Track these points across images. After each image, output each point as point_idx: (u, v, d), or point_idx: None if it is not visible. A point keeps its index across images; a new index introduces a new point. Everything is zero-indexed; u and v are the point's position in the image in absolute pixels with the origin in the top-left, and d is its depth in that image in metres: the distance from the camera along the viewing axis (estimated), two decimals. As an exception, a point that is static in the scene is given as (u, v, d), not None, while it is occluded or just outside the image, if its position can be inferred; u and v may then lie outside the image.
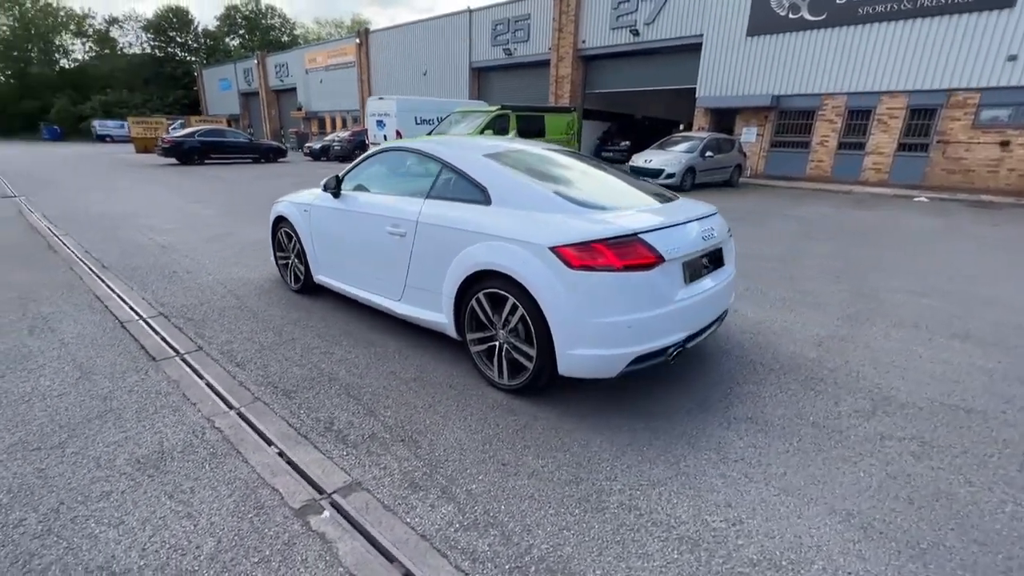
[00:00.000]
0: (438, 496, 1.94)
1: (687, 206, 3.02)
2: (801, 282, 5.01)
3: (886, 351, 3.39)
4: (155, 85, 49.82)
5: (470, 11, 24.48)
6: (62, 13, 49.65)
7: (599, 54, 20.66)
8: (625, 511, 1.88)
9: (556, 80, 21.53)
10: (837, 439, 2.37)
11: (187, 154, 19.16)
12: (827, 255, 6.21)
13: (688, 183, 13.04)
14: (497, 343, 2.70)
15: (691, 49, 17.98)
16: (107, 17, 53.94)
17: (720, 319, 2.97)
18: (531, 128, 13.60)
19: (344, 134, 22.89)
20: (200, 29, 56.60)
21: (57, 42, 50.05)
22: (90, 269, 5.00)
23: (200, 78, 48.55)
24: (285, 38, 58.80)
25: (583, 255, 2.31)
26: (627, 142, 22.16)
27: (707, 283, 2.71)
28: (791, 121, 16.46)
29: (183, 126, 25.96)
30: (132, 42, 54.25)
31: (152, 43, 54.11)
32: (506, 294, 2.55)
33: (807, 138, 16.19)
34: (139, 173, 15.30)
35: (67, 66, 49.94)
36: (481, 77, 25.52)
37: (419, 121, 16.36)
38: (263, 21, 59.58)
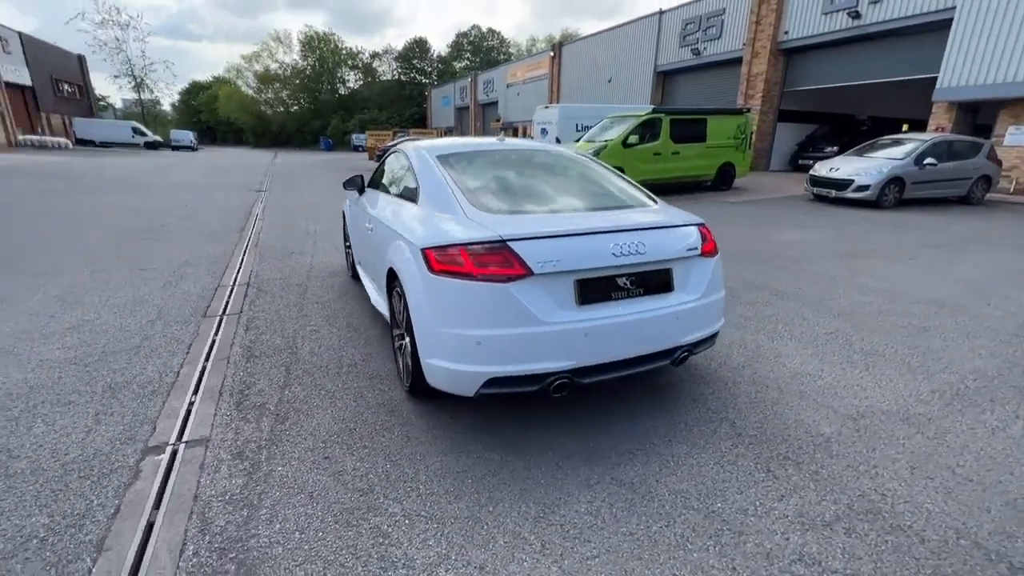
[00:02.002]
0: (244, 469, 2.08)
1: (642, 215, 2.54)
2: (933, 336, 3.61)
3: (964, 450, 2.26)
4: (397, 104, 60.85)
5: (661, 12, 23.51)
6: (344, 52, 64.55)
7: (805, 45, 17.67)
8: (371, 534, 1.74)
9: (747, 79, 19.17)
10: (722, 540, 1.73)
11: (394, 160, 22.95)
12: (1029, 305, 4.29)
13: (891, 198, 10.30)
14: (403, 342, 2.70)
15: (932, 29, 14.05)
16: (371, 52, 67.57)
17: (667, 358, 2.40)
18: (687, 133, 12.43)
19: (521, 142, 24.40)
20: (435, 55, 66.99)
21: (339, 74, 65.15)
22: (245, 246, 6.51)
23: (429, 97, 57.34)
24: (502, 57, 65.07)
25: (443, 259, 2.17)
26: (834, 147, 18.42)
27: (622, 309, 2.24)
28: (1097, 115, 11.51)
29: (408, 136, 31.11)
30: (386, 70, 67.26)
31: (399, 70, 66.18)
32: (401, 293, 2.53)
33: (1125, 139, 11.12)
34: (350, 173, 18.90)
35: (343, 92, 64.63)
36: (666, 81, 24.28)
37: (580, 128, 16.44)
38: (484, 44, 67.26)
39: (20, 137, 32.36)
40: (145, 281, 4.75)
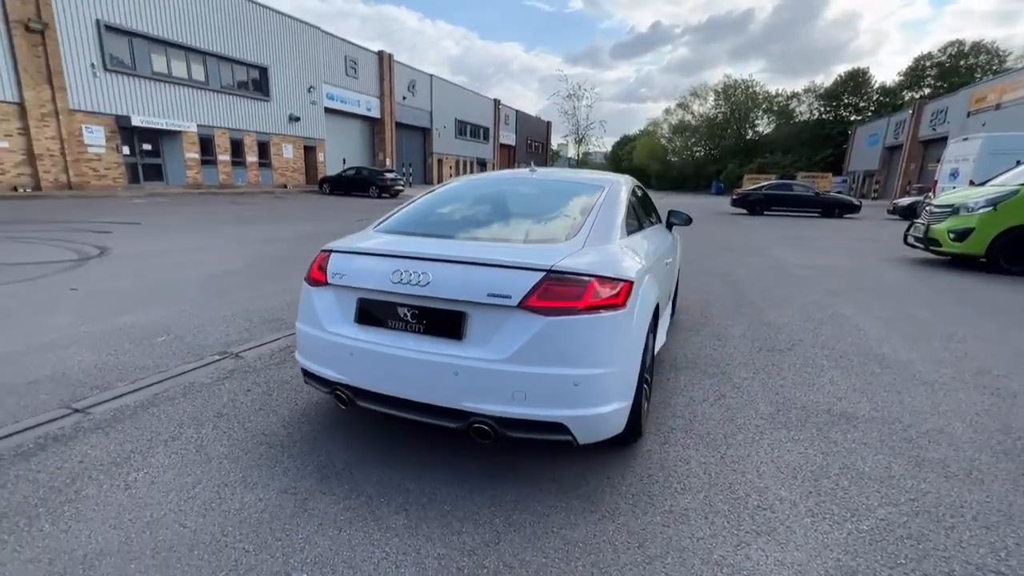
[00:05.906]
0: (218, 377, 3.16)
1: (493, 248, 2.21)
2: None
3: None
4: (808, 146, 54.15)
5: None
6: (760, 96, 62.66)
7: None
8: (78, 459, 2.44)
9: None
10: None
11: (751, 205, 21.28)
12: None
13: None
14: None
15: None
16: (789, 93, 62.68)
17: (454, 421, 2.01)
18: None
19: (939, 189, 17.68)
20: (875, 86, 55.64)
21: (751, 118, 63.74)
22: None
23: (852, 136, 48.61)
24: (989, 76, 47.99)
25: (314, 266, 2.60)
26: None
27: (390, 339, 2.09)
28: None
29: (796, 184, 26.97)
30: (804, 111, 60.93)
31: (821, 108, 58.67)
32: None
33: None
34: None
35: (750, 136, 62.90)
36: None
37: (1019, 164, 10.71)
38: (961, 64, 50.82)
39: (498, 179, 47.98)
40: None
